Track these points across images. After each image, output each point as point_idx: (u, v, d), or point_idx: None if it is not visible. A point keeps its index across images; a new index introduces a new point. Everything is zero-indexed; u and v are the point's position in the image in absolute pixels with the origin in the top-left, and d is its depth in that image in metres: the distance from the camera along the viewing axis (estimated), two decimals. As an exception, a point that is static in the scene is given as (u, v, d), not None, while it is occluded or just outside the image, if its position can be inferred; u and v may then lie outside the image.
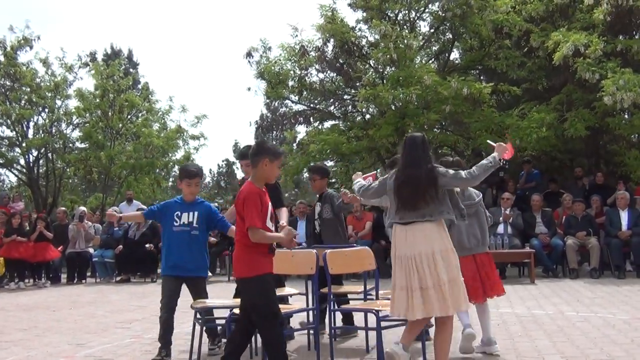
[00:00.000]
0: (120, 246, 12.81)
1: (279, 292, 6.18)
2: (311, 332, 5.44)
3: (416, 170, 4.35)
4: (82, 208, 14.15)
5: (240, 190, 4.34)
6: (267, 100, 19.80)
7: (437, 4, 15.90)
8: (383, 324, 4.71)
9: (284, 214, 5.50)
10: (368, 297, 5.57)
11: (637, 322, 6.33)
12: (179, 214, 5.23)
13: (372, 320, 5.03)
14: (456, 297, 4.23)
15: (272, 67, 16.25)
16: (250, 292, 4.18)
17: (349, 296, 6.14)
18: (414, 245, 4.25)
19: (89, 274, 13.73)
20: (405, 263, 4.26)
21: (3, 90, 19.73)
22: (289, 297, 6.02)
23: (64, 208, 15.47)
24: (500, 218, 11.30)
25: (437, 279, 4.19)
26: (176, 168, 20.22)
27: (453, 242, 4.43)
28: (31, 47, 19.63)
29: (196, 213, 5.23)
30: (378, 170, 6.37)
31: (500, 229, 11.21)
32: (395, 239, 4.39)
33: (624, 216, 10.97)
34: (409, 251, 4.26)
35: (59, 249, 13.33)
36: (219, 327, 5.47)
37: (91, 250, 13.52)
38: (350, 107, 17.89)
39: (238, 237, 4.23)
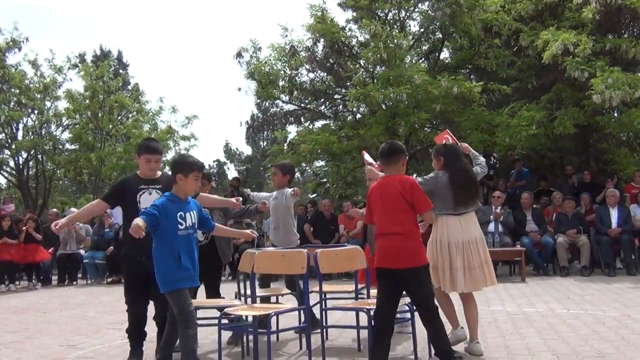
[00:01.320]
0: (111, 247, 12.77)
1: (266, 292, 6.21)
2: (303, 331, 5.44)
3: (470, 173, 5.25)
4: (73, 209, 14.09)
5: (392, 180, 4.56)
6: (258, 101, 19.75)
7: (426, 3, 15.98)
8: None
9: None
10: (359, 296, 5.57)
11: (627, 320, 6.37)
12: (183, 215, 4.38)
13: (363, 318, 5.04)
14: (492, 274, 5.14)
15: (263, 67, 16.25)
16: (421, 280, 4.43)
17: (341, 295, 6.14)
18: (469, 232, 5.05)
19: (79, 275, 13.69)
20: (463, 247, 4.99)
21: (-9, 92, 19.64)
22: (279, 296, 6.04)
23: (55, 210, 15.41)
24: (491, 216, 11.34)
25: (483, 258, 5.06)
26: (167, 169, 20.16)
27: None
28: (20, 49, 19.59)
29: (194, 212, 4.58)
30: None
31: (491, 227, 11.25)
32: (449, 228, 5.03)
33: (613, 214, 11.03)
34: (466, 237, 5.02)
35: (50, 250, 13.29)
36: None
37: (82, 251, 13.50)
38: (340, 106, 17.90)
39: (406, 226, 4.41)
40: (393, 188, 4.49)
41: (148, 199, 4.92)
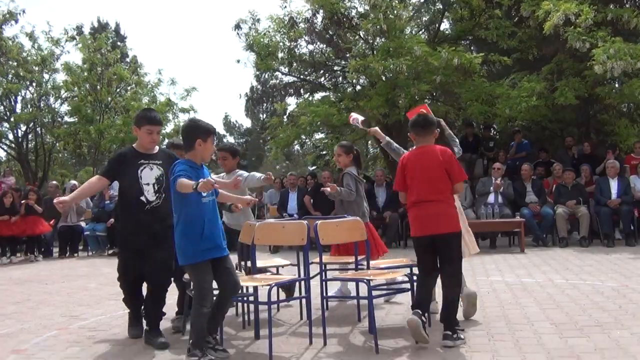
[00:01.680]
0: (112, 219, 12.78)
1: (270, 262, 6.24)
2: (303, 301, 5.47)
3: (451, 146, 5.43)
4: (73, 182, 14.11)
5: (432, 149, 4.71)
6: (257, 72, 19.67)
7: (426, -27, 15.80)
8: (374, 293, 4.76)
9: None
10: (359, 267, 5.60)
11: (625, 290, 6.41)
12: None
13: (363, 289, 5.07)
14: (474, 242, 5.63)
15: (261, 39, 16.11)
16: (457, 245, 4.64)
17: (341, 267, 6.17)
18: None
19: (81, 247, 13.75)
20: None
21: (-11, 64, 19.53)
22: (280, 267, 6.07)
23: (55, 182, 15.41)
24: (491, 188, 11.37)
25: (465, 227, 5.40)
26: (166, 141, 20.12)
27: (359, 212, 6.03)
28: (16, 21, 19.45)
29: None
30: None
31: (491, 198, 11.29)
32: None
33: (613, 185, 11.06)
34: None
35: (51, 222, 13.31)
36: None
37: (83, 223, 13.54)
38: (340, 78, 17.80)
39: (445, 194, 4.63)
40: (434, 158, 4.65)
41: (149, 174, 4.83)
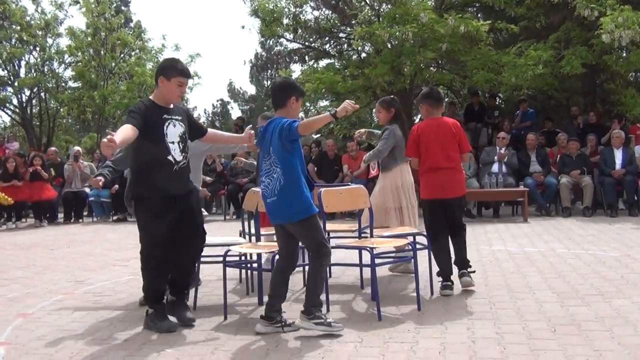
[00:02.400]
0: (116, 186, 12.81)
1: (268, 230, 6.24)
2: (306, 268, 5.51)
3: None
4: (77, 148, 14.13)
5: (445, 121, 5.27)
6: (262, 39, 19.55)
7: (434, -62, 15.53)
8: (377, 260, 4.79)
9: None
10: (362, 234, 5.62)
11: (627, 259, 6.44)
12: None
13: (366, 257, 5.10)
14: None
15: (267, 5, 15.94)
16: (463, 207, 5.30)
17: (344, 234, 6.20)
18: (411, 176, 6.02)
19: (85, 213, 13.82)
20: (412, 189, 5.95)
21: (-7, 28, 19.43)
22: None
23: (54, 148, 15.41)
24: (495, 157, 11.35)
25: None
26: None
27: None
28: (20, -16, 19.27)
29: None
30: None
31: (495, 168, 11.27)
32: (406, 174, 6.00)
33: (618, 155, 11.02)
34: (411, 180, 6.01)
35: (55, 181, 13.37)
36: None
37: (87, 189, 13.59)
38: (345, 45, 17.68)
39: (456, 162, 5.21)
40: (448, 129, 5.22)
41: (173, 131, 4.40)
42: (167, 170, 4.32)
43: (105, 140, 3.77)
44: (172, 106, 4.48)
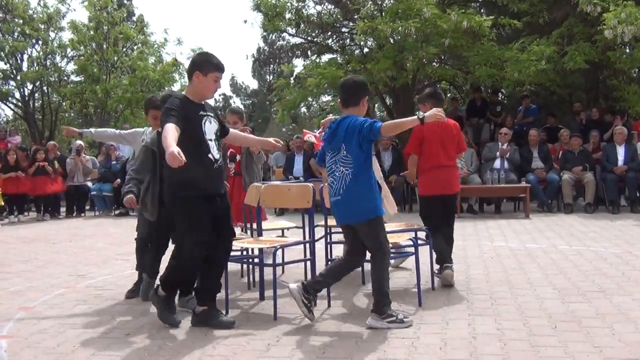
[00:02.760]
0: (118, 180, 12.82)
1: (275, 225, 6.26)
2: (308, 264, 5.51)
3: None
4: (79, 142, 14.12)
5: (450, 124, 5.47)
6: (264, 33, 19.53)
7: None
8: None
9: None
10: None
11: (628, 256, 6.44)
12: None
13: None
14: None
15: (269, -1, 15.95)
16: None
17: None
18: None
19: (87, 207, 13.83)
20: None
21: (-5, 22, 19.43)
22: (285, 230, 6.10)
23: (52, 142, 15.41)
24: (497, 153, 11.33)
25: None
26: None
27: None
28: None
29: None
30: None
31: (497, 163, 11.26)
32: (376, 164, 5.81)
33: (620, 151, 11.00)
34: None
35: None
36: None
37: (89, 184, 13.60)
38: (348, 40, 17.64)
39: (455, 161, 5.58)
40: (450, 130, 5.47)
41: (210, 128, 4.22)
42: (209, 169, 4.17)
43: (173, 152, 3.55)
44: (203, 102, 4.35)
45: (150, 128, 5.39)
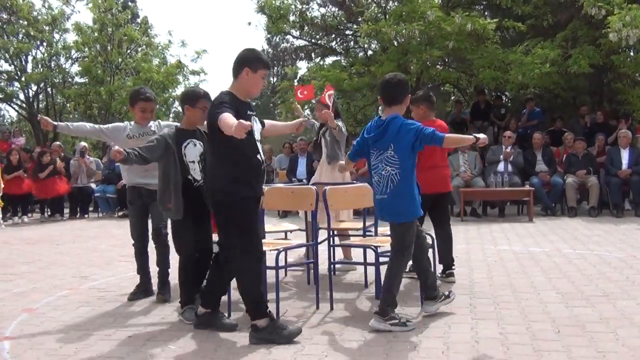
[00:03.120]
0: (122, 181, 12.84)
1: (278, 227, 6.26)
2: (311, 266, 5.51)
3: None
4: (83, 143, 14.13)
5: (440, 124, 5.62)
6: (268, 35, 19.55)
7: None
8: (382, 259, 4.78)
9: None
10: (367, 233, 5.63)
11: (632, 260, 6.42)
12: None
13: (370, 256, 5.10)
14: None
15: (273, 1, 15.96)
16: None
17: (349, 232, 6.19)
18: None
19: (91, 208, 13.84)
20: None
21: (0, 23, 19.45)
22: (288, 232, 6.09)
23: (58, 142, 15.42)
24: (501, 156, 11.31)
25: None
26: (176, 104, 20.11)
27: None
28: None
29: None
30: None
31: (501, 167, 11.24)
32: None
33: (624, 155, 10.97)
34: None
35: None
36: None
37: (93, 185, 13.60)
38: (352, 42, 17.67)
39: (446, 161, 5.89)
40: (445, 131, 5.33)
41: (257, 128, 4.14)
42: (258, 171, 4.07)
43: (241, 121, 3.46)
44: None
45: (132, 122, 5.22)
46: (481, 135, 4.19)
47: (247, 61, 4.06)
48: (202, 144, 4.52)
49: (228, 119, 3.62)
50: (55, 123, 5.11)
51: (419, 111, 5.68)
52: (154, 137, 4.48)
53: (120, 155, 4.15)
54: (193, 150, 4.49)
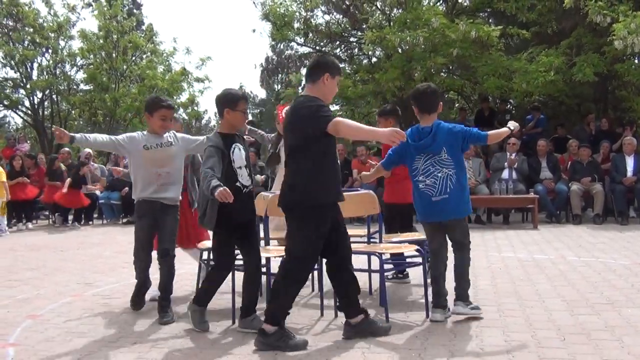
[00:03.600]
0: (127, 188, 12.84)
1: (283, 234, 6.24)
2: (315, 273, 5.50)
3: None
4: (88, 150, 14.15)
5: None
6: (273, 43, 19.59)
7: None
8: (386, 266, 4.78)
9: None
10: (372, 240, 5.62)
11: (637, 268, 6.40)
12: None
13: (375, 262, 5.10)
14: None
15: (278, 9, 16.00)
16: None
17: (353, 239, 6.17)
18: None
19: (95, 215, 13.86)
20: None
21: (6, 30, 19.56)
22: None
23: (67, 149, 15.48)
24: (505, 163, 11.29)
25: None
26: (181, 111, 20.16)
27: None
28: (33, -13, 19.41)
29: None
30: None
31: (505, 174, 11.21)
32: None
33: (629, 162, 10.93)
34: None
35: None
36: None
37: (97, 192, 13.62)
38: (356, 50, 17.69)
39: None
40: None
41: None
42: (338, 176, 4.16)
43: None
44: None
45: (146, 132, 4.98)
46: (512, 125, 4.63)
47: (327, 67, 4.13)
48: (244, 147, 4.50)
49: (355, 123, 4.06)
50: (72, 134, 4.81)
51: (387, 124, 5.70)
52: (208, 150, 4.22)
53: (228, 195, 3.88)
54: (239, 155, 4.38)
